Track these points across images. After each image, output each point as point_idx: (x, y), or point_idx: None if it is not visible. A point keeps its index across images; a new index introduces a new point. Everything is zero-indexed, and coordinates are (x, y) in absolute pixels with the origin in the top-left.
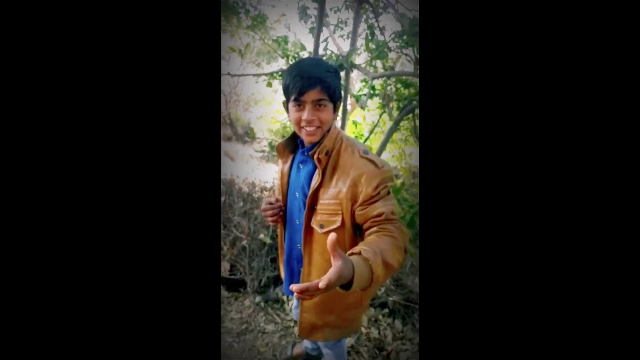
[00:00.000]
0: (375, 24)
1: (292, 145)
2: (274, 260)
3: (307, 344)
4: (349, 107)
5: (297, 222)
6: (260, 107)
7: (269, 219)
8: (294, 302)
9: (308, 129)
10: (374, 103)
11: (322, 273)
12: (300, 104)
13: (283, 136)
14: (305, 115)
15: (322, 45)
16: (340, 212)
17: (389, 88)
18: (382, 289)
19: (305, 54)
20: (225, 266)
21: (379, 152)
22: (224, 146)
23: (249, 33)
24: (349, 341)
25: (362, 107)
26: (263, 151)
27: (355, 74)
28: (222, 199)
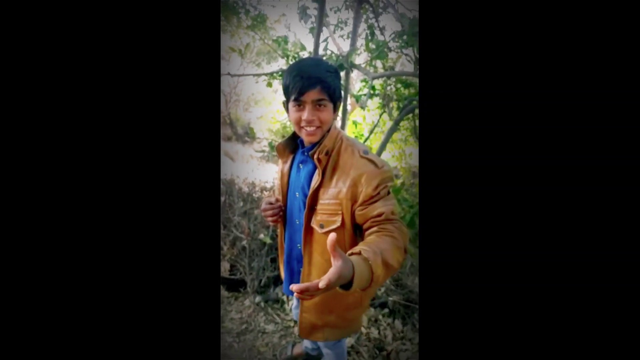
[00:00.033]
0: (375, 24)
1: (292, 145)
2: (274, 260)
3: (307, 344)
4: (349, 107)
5: (297, 222)
6: (260, 107)
7: (269, 218)
8: (294, 302)
9: (308, 129)
10: (374, 103)
11: (322, 273)
12: (300, 103)
13: (283, 136)
14: (305, 115)
15: (322, 45)
16: (340, 212)
17: (389, 88)
18: (382, 289)
19: (305, 54)
20: (225, 266)
21: (379, 152)
22: (224, 146)
23: (249, 33)
24: (349, 341)
25: (362, 107)
26: (263, 151)
27: (355, 74)
28: (222, 199)
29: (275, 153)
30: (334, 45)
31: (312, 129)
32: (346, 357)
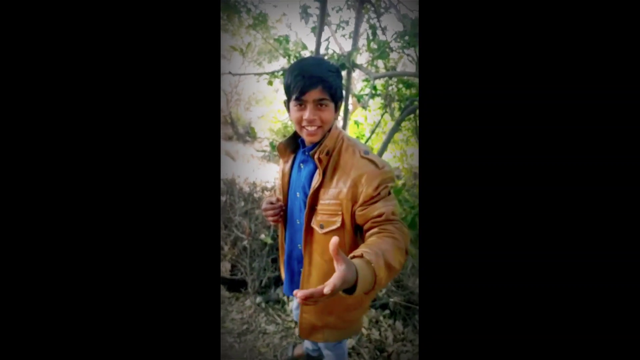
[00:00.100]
0: (377, 24)
1: (293, 145)
2: (275, 261)
3: (307, 344)
4: (350, 107)
5: (298, 222)
6: (262, 106)
7: (270, 218)
8: (294, 302)
9: (309, 128)
10: (376, 103)
11: (322, 274)
12: (301, 103)
13: (284, 136)
14: (306, 114)
15: (323, 45)
16: (340, 212)
17: (390, 88)
18: (383, 290)
19: (306, 54)
20: (226, 266)
21: (381, 153)
22: (225, 146)
23: (251, 32)
24: (349, 342)
25: (364, 107)
26: (264, 151)
27: (356, 74)
28: (223, 198)
29: (276, 153)
30: (336, 44)
31: (313, 128)
32: (347, 359)
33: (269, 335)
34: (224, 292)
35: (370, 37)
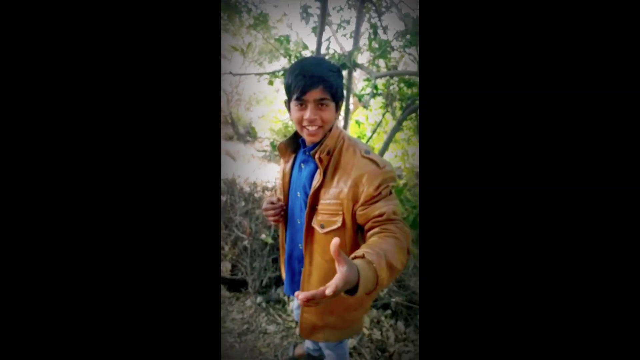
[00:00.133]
0: (378, 23)
1: (293, 144)
2: (276, 261)
3: (308, 344)
4: (351, 107)
5: (299, 222)
6: (262, 106)
7: (271, 218)
8: (295, 302)
9: (310, 128)
10: (377, 102)
11: (323, 273)
12: (302, 103)
13: (285, 135)
14: (307, 114)
15: (324, 45)
16: (341, 212)
17: (391, 87)
18: (385, 290)
19: (307, 53)
20: (226, 266)
21: (382, 152)
22: (226, 146)
23: (251, 32)
24: (351, 342)
25: (365, 107)
26: (265, 151)
27: (357, 73)
28: (224, 198)
29: (276, 153)
30: (337, 44)
31: (314, 128)
32: (348, 359)
33: (270, 335)
34: (225, 292)
35: (371, 37)
